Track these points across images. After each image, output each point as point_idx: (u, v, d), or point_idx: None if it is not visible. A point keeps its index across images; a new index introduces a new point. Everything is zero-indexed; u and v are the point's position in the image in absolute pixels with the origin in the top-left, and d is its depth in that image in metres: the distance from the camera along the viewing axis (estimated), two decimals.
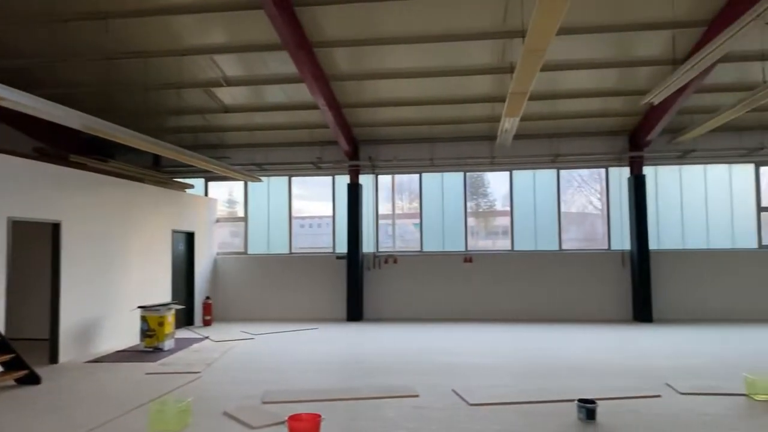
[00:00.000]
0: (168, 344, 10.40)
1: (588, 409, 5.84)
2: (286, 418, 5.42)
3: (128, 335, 11.06)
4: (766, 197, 13.83)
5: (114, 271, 10.78)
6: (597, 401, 5.99)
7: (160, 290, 12.32)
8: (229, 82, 11.89)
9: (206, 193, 15.42)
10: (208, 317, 13.81)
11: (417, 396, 6.91)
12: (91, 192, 10.28)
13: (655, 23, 9.85)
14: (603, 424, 5.75)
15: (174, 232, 13.03)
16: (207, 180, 15.42)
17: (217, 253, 15.16)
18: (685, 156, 13.61)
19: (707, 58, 7.51)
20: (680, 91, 10.78)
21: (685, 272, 13.68)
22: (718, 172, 13.91)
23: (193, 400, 6.54)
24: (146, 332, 10.30)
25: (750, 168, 13.82)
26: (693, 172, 13.99)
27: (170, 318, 10.53)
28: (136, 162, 13.79)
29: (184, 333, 12.43)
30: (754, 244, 13.66)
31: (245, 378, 8.04)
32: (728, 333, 11.53)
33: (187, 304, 13.54)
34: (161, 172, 14.35)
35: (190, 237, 13.90)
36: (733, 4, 9.04)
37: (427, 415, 6.15)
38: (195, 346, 10.81)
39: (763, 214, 13.74)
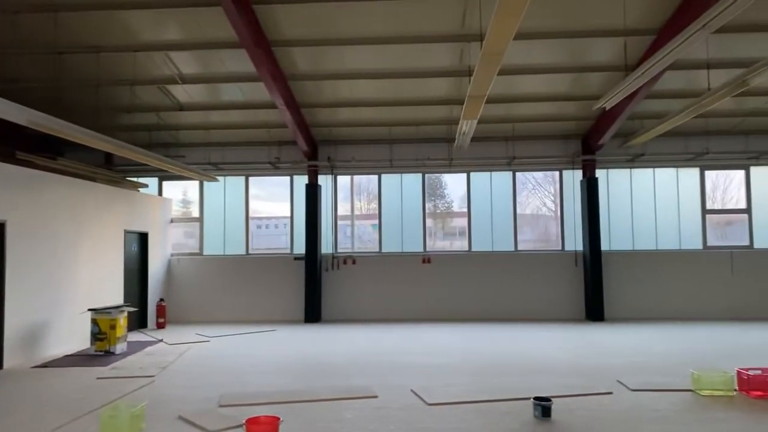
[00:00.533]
0: (120, 348, 10.12)
1: (543, 406, 5.97)
2: (244, 421, 5.34)
3: (78, 339, 10.70)
4: (710, 200, 14.42)
5: (63, 273, 10.42)
6: (552, 399, 6.12)
7: (112, 292, 11.98)
8: (185, 80, 11.66)
9: (160, 193, 15.07)
10: (161, 320, 13.49)
11: (376, 397, 6.93)
12: (38, 191, 9.91)
13: (607, 30, 10.14)
14: (558, 421, 5.89)
15: (126, 232, 12.69)
16: (161, 179, 15.07)
17: (172, 254, 14.83)
18: (635, 160, 14.05)
19: (657, 66, 7.78)
20: (631, 97, 11.14)
21: (635, 272, 14.13)
22: (665, 175, 14.43)
23: (147, 404, 6.37)
24: (97, 335, 10.00)
25: (695, 172, 14.38)
26: (642, 175, 14.46)
27: (122, 321, 10.26)
28: (87, 160, 13.35)
29: (136, 336, 12.11)
30: (700, 245, 14.22)
31: (201, 381, 7.90)
32: (676, 331, 11.97)
33: (140, 306, 13.20)
34: (113, 171, 13.96)
35: (143, 237, 13.56)
36: (680, 14, 9.40)
37: (386, 415, 6.17)
38: (148, 349, 10.55)
39: (707, 216, 14.31)
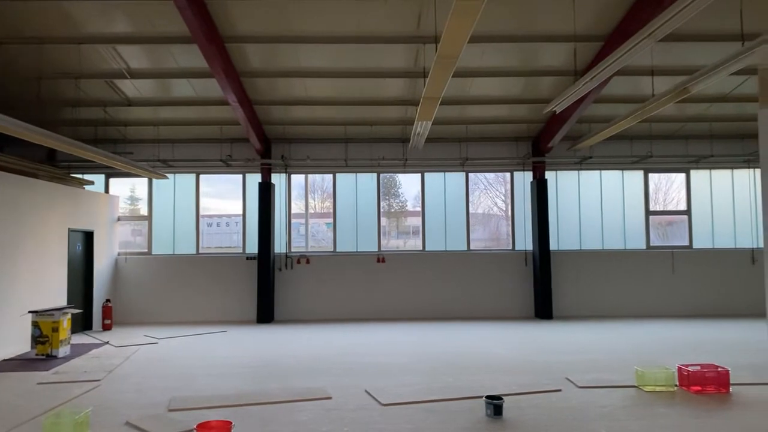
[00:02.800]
0: (63, 351, 9.75)
1: (495, 405, 6.07)
2: (195, 426, 5.24)
3: (18, 342, 10.24)
4: (653, 202, 14.99)
5: (1, 273, 9.95)
6: (503, 397, 6.23)
7: (55, 293, 11.52)
8: (133, 75, 11.33)
9: (107, 190, 14.59)
10: (108, 321, 13.08)
11: (330, 398, 6.90)
12: None
13: (558, 36, 10.39)
14: (509, 419, 6.00)
15: (71, 231, 12.23)
16: (108, 176, 14.59)
17: (119, 253, 14.38)
18: (582, 162, 14.46)
19: (604, 71, 8.02)
20: (579, 101, 11.45)
21: (583, 271, 14.55)
22: (612, 177, 14.90)
23: (92, 410, 6.17)
24: (38, 339, 9.61)
25: (639, 174, 14.91)
26: (590, 177, 14.90)
27: (65, 323, 9.89)
28: (29, 156, 12.76)
29: (81, 338, 11.69)
30: (643, 245, 14.76)
31: (149, 385, 7.69)
32: (621, 328, 12.38)
33: (85, 307, 12.75)
34: (57, 167, 13.42)
35: (88, 236, 13.11)
36: (627, 22, 9.71)
37: (339, 416, 6.16)
38: (94, 352, 10.20)
39: (650, 217, 14.87)
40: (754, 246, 14.60)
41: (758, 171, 14.40)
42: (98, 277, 13.37)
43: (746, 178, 14.87)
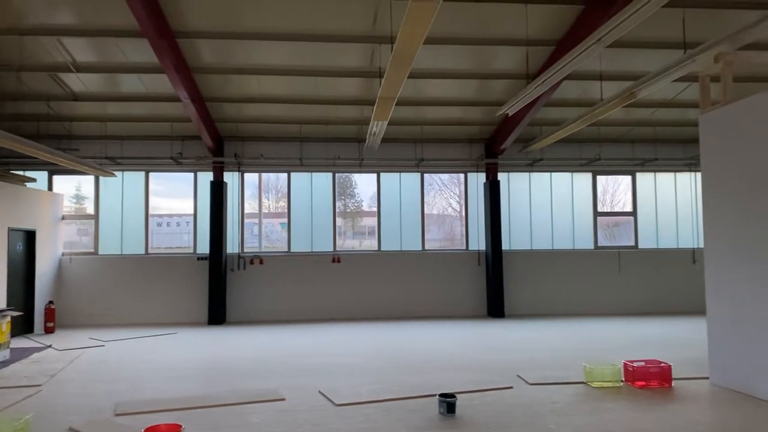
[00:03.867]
0: (2, 355, 9.33)
1: (448, 403, 6.13)
2: (143, 430, 5.09)
3: None
4: (600, 203, 15.44)
5: None
6: (456, 395, 6.30)
7: None
8: (79, 68, 10.95)
9: (50, 188, 14.03)
10: (50, 324, 12.59)
11: (283, 399, 6.82)
12: None
13: (511, 39, 10.58)
14: (462, 416, 6.07)
15: (11, 230, 11.71)
16: (51, 173, 14.04)
17: (63, 254, 13.86)
18: (534, 164, 14.76)
19: (555, 75, 8.22)
20: (531, 104, 11.67)
21: (533, 271, 14.86)
22: (561, 179, 15.27)
23: (33, 416, 5.92)
24: None
25: (588, 176, 15.33)
26: (541, 179, 15.23)
27: (4, 326, 9.47)
28: None
29: (21, 342, 11.21)
30: (591, 245, 15.18)
31: (95, 389, 7.44)
32: (570, 326, 12.70)
33: (26, 310, 12.21)
34: None
35: (30, 236, 12.57)
36: (577, 28, 9.98)
37: (293, 418, 6.10)
38: (35, 356, 9.80)
39: (598, 218, 15.31)
40: (695, 246, 15.22)
41: (699, 174, 15.01)
42: (40, 278, 12.84)
43: (688, 181, 15.49)
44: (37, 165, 13.46)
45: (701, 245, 14.55)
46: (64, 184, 14.27)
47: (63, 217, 13.99)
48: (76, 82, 11.52)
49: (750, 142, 6.87)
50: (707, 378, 7.56)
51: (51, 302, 12.86)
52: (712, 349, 7.51)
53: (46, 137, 13.23)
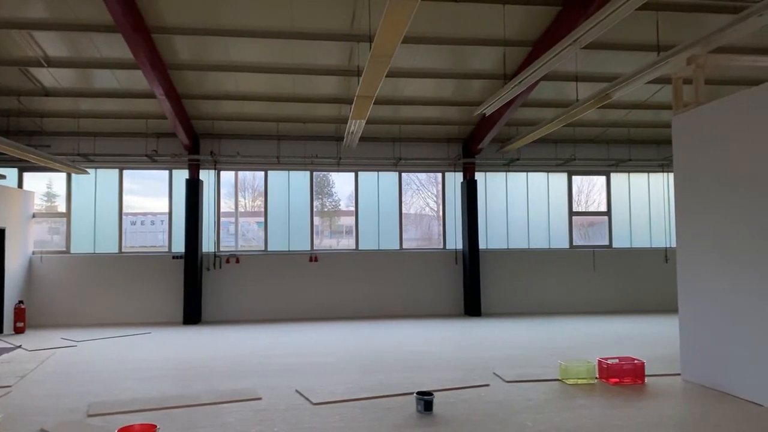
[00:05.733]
0: None
1: (426, 401, 6.14)
2: (116, 430, 5.01)
3: None
4: (575, 203, 15.63)
5: None
6: (433, 393, 6.32)
7: None
8: (51, 63, 10.74)
9: (20, 185, 13.73)
10: (20, 324, 12.32)
11: (259, 399, 6.78)
12: None
13: (488, 40, 10.65)
14: (439, 414, 6.09)
15: None
16: (22, 170, 13.72)
17: (34, 252, 13.56)
18: (510, 164, 14.88)
19: (532, 76, 8.30)
20: (508, 104, 11.77)
21: (510, 270, 14.98)
22: (538, 179, 15.42)
23: (2, 418, 5.78)
24: None
25: (564, 177, 15.51)
26: (517, 178, 15.35)
27: None
28: None
29: None
30: (566, 245, 15.36)
31: (67, 390, 7.30)
32: (545, 324, 12.83)
33: None
34: None
35: None
36: (553, 29, 10.09)
37: (270, 417, 6.06)
38: (4, 356, 9.58)
39: (573, 218, 15.49)
40: (668, 245, 15.50)
41: (671, 175, 15.30)
42: (10, 278, 12.55)
43: (661, 182, 15.76)
44: (6, 162, 13.17)
45: (674, 245, 14.84)
46: (35, 181, 13.97)
47: (34, 215, 13.70)
48: (47, 77, 11.30)
49: (721, 144, 7.01)
50: (679, 375, 7.70)
51: (21, 302, 12.58)
52: (683, 346, 7.66)
53: (17, 133, 12.95)
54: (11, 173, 13.54)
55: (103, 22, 9.43)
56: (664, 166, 15.44)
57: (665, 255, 15.43)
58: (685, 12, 9.74)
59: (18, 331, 12.31)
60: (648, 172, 15.71)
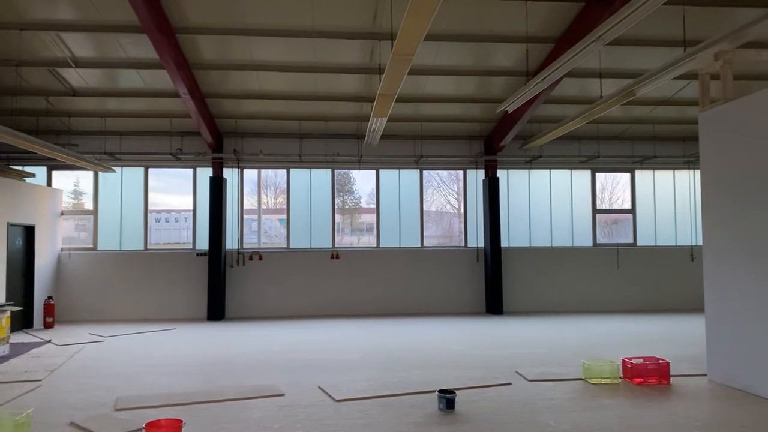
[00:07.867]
0: (1, 350, 9.33)
1: (447, 399, 6.15)
2: (144, 425, 5.11)
3: None
4: (599, 201, 15.46)
5: None
6: (455, 391, 6.32)
7: None
8: (79, 63, 10.94)
9: (49, 183, 14.02)
10: (50, 319, 12.60)
11: (283, 395, 6.84)
12: None
13: (510, 36, 10.58)
14: (461, 412, 6.09)
15: (10, 225, 11.71)
16: (50, 168, 14.02)
17: (62, 249, 13.86)
18: (533, 161, 14.77)
19: (555, 73, 8.22)
20: (531, 102, 11.69)
21: (532, 268, 14.88)
22: (561, 176, 15.29)
23: (34, 411, 5.93)
24: None
25: (587, 174, 15.35)
26: (540, 176, 15.24)
27: (4, 321, 9.46)
28: None
29: (21, 337, 11.22)
30: (590, 243, 15.21)
31: (95, 384, 7.45)
32: (568, 323, 12.73)
33: (25, 305, 12.23)
34: None
35: (29, 231, 12.57)
36: (576, 25, 9.98)
37: (293, 413, 6.12)
38: (34, 351, 9.81)
39: (597, 215, 15.34)
40: (694, 244, 15.25)
41: (698, 172, 15.05)
42: (40, 274, 12.84)
43: (687, 179, 15.51)
44: (35, 160, 13.47)
45: (700, 243, 14.59)
46: (62, 179, 14.27)
47: (62, 213, 13.99)
48: (75, 77, 11.51)
49: (750, 141, 6.88)
50: (705, 375, 7.59)
51: (50, 297, 12.86)
52: (710, 346, 7.54)
53: (45, 132, 13.23)
54: (40, 172, 13.84)
55: (128, 23, 9.59)
56: (690, 163, 15.19)
57: (691, 253, 15.19)
58: (713, 6, 9.55)
59: (47, 326, 12.59)
60: (674, 169, 15.47)
